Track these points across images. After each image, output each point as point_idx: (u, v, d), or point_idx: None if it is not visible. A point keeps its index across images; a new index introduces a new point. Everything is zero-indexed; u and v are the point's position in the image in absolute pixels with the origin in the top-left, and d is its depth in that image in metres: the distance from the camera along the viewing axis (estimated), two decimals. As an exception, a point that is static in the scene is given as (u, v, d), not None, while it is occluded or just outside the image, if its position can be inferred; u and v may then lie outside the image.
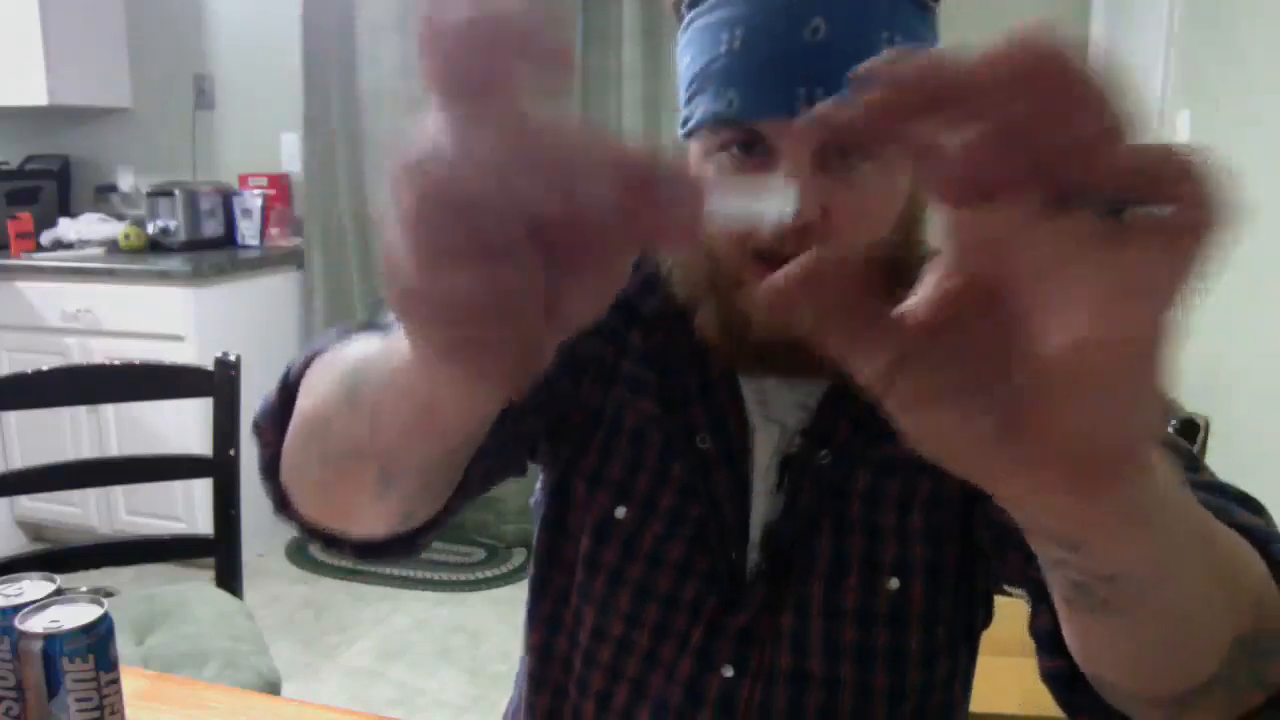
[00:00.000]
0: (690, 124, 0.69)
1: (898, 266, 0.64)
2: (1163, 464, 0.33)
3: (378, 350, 0.47)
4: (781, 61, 0.62)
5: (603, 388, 0.78)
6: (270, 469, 0.60)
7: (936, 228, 0.28)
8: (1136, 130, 0.24)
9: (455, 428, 0.42)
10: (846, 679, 0.73)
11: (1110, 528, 0.33)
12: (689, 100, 0.69)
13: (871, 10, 0.63)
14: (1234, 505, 0.54)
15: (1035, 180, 0.25)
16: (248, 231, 3.28)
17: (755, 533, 0.75)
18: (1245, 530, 0.48)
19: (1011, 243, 0.26)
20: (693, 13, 0.68)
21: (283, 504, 0.60)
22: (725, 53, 0.64)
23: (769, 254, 0.64)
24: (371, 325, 0.59)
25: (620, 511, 0.77)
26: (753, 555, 0.75)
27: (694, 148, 0.69)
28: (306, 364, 0.57)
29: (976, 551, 0.73)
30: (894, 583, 0.73)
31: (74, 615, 0.73)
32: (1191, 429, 1.18)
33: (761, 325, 0.66)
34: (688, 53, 0.68)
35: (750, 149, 0.65)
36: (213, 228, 3.25)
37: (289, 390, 0.58)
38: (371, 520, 0.56)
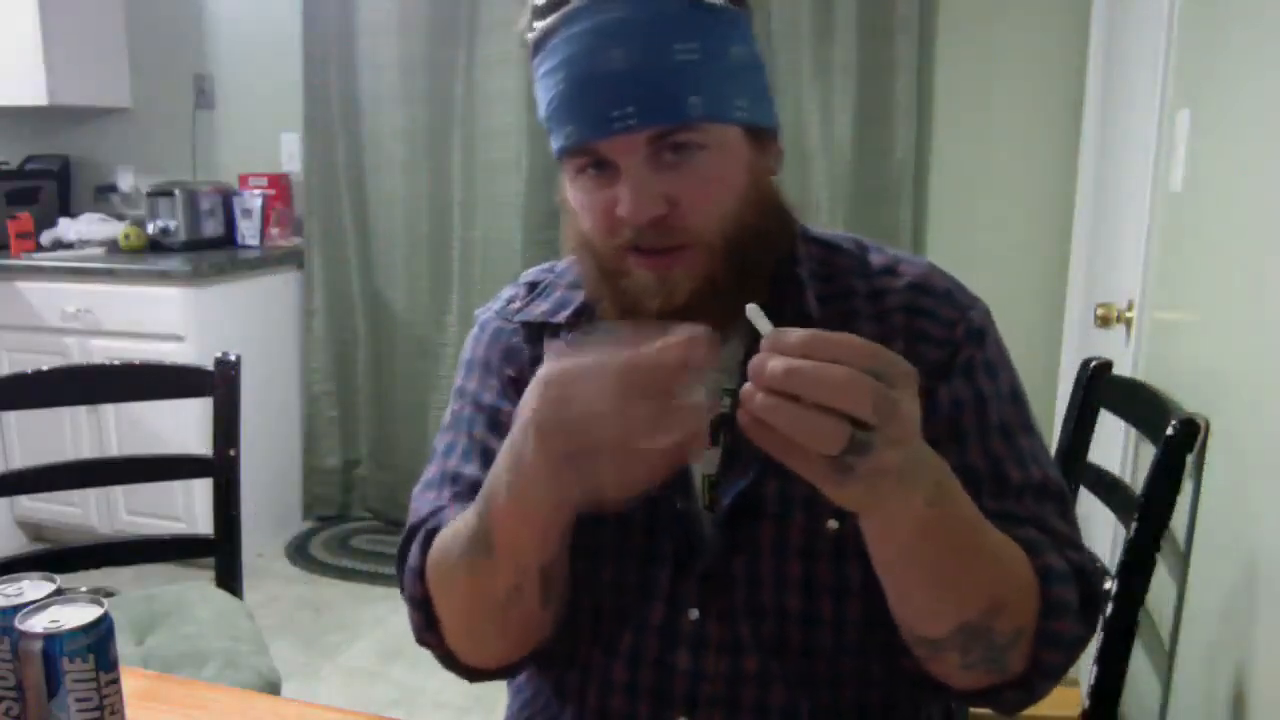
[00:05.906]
0: (557, 156, 0.80)
1: (755, 234, 0.77)
2: (921, 513, 0.62)
3: (463, 533, 0.73)
4: (593, 91, 0.73)
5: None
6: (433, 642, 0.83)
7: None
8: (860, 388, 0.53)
9: (546, 528, 0.69)
10: (793, 610, 0.80)
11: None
12: (550, 135, 0.79)
13: (657, 31, 0.72)
14: (1050, 548, 0.74)
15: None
16: (248, 231, 3.28)
17: (698, 485, 0.82)
18: (1044, 569, 0.72)
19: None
20: (535, 61, 0.78)
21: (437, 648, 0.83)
22: (558, 95, 0.75)
23: (636, 245, 0.76)
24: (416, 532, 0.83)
25: None
26: (697, 505, 0.82)
27: (567, 171, 0.80)
28: (418, 578, 0.80)
29: None
30: (833, 523, 0.79)
31: (74, 615, 0.74)
32: (1191, 429, 1.18)
33: (649, 299, 0.76)
34: (540, 97, 0.79)
35: (603, 167, 0.76)
36: (213, 228, 3.25)
37: (425, 602, 0.80)
38: (532, 635, 0.80)
